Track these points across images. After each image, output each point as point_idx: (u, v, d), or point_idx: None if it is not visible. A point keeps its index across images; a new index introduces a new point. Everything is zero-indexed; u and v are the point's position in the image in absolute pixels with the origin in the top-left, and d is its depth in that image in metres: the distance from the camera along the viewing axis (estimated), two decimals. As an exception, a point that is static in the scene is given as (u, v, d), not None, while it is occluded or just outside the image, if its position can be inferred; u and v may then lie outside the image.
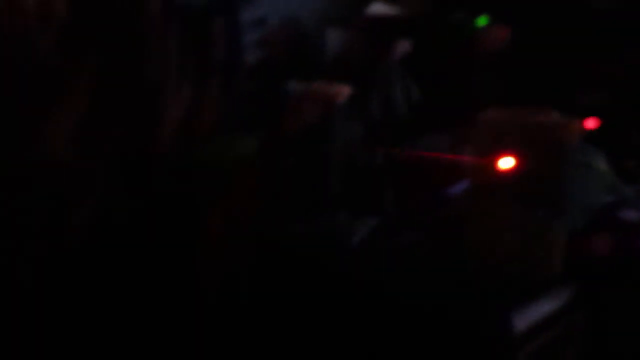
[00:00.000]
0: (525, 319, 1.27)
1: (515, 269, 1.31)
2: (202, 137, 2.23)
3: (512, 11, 2.25)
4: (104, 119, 2.30)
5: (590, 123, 2.13)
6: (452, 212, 1.59)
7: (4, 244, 1.83)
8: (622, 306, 1.42)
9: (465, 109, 2.12)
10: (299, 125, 1.76)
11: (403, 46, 1.94)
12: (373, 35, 1.92)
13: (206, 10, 2.11)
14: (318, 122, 1.71)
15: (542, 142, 1.25)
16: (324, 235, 1.62)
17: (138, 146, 2.28)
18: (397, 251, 1.52)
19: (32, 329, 1.64)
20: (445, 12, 2.34)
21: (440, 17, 2.29)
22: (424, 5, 2.42)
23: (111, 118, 2.30)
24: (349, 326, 1.47)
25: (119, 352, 1.63)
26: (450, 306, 1.34)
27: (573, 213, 1.45)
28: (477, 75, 2.14)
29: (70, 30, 2.23)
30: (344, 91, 1.70)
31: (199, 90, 2.26)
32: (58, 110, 2.28)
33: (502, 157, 1.25)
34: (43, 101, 2.27)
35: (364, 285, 1.48)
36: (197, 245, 1.89)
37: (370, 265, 1.53)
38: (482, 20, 2.26)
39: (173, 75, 2.23)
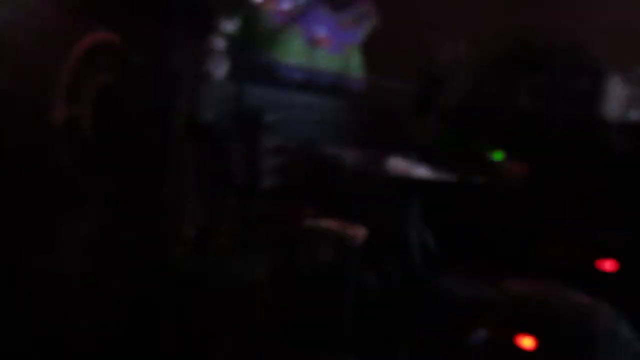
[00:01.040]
0: None
1: None
2: (216, 257, 2.25)
3: (534, 147, 2.29)
4: (118, 234, 2.33)
5: (609, 265, 2.11)
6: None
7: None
8: None
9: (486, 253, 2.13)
10: (311, 261, 1.76)
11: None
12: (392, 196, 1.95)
13: (227, 135, 2.16)
14: (331, 262, 1.71)
15: (567, 329, 1.22)
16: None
17: (152, 262, 2.29)
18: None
19: None
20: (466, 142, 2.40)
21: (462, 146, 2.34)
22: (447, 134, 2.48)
23: (126, 233, 2.33)
24: None
25: None
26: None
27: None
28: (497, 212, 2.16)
29: (93, 147, 2.30)
30: (360, 233, 1.71)
31: (215, 210, 2.29)
32: (74, 222, 2.32)
33: (523, 336, 1.23)
34: (60, 211, 2.31)
35: None
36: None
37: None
38: (497, 155, 2.30)
39: (190, 195, 2.27)
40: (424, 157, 2.33)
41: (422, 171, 1.98)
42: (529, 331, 1.23)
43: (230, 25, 2.24)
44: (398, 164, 1.96)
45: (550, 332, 1.21)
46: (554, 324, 1.21)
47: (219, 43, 2.21)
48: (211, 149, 2.18)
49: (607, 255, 2.10)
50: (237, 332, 1.96)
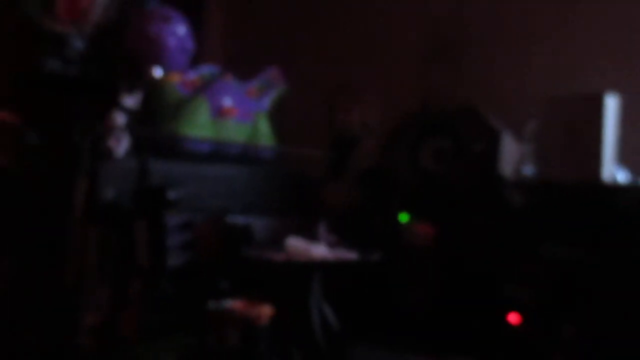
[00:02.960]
0: None
1: None
2: (122, 342, 2.14)
3: (434, 208, 2.36)
4: (15, 324, 2.18)
5: (513, 318, 2.17)
6: None
7: None
8: None
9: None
10: (219, 345, 1.71)
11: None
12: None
13: (130, 213, 2.10)
14: (239, 344, 1.67)
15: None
16: None
17: (52, 350, 2.15)
18: None
19: None
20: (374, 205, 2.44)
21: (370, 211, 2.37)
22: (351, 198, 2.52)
23: (23, 321, 2.19)
24: None
25: None
26: None
27: None
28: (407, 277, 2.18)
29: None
30: (265, 312, 1.68)
31: (119, 294, 2.20)
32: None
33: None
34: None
35: None
36: None
37: None
38: (403, 217, 2.35)
39: (92, 277, 2.17)
40: (334, 223, 2.34)
41: (320, 250, 1.99)
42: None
43: (131, 100, 2.21)
44: (297, 244, 1.96)
45: None
46: None
47: (121, 118, 2.17)
48: (113, 230, 2.10)
49: (513, 309, 2.17)
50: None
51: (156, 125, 2.36)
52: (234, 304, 1.70)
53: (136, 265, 2.06)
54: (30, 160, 2.17)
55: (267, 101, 2.71)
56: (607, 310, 1.99)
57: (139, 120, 2.23)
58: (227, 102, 2.53)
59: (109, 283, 2.07)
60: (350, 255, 2.02)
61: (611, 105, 2.14)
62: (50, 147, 2.19)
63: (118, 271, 2.08)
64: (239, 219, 2.36)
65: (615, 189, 2.08)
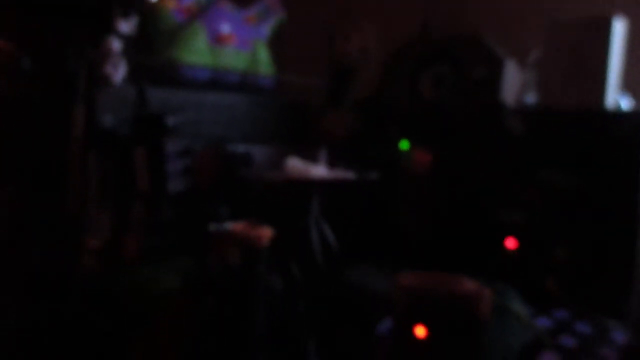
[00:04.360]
0: None
1: None
2: (124, 265, 2.18)
3: (433, 135, 2.35)
4: (21, 245, 2.22)
5: (510, 242, 2.20)
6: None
7: None
8: None
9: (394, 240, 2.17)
10: (220, 266, 1.73)
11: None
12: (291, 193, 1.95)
13: (129, 140, 2.09)
14: (239, 265, 1.69)
15: (455, 314, 1.28)
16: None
17: (57, 271, 2.20)
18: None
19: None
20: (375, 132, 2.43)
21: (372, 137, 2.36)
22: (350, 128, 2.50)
23: (29, 243, 2.22)
24: None
25: None
26: None
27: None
28: (405, 202, 2.20)
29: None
30: (265, 234, 1.69)
31: (120, 219, 2.22)
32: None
33: (417, 326, 1.27)
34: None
35: None
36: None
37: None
38: (403, 145, 2.34)
39: (93, 203, 2.18)
40: (334, 151, 2.34)
41: (319, 170, 1.98)
42: (421, 321, 1.28)
43: (127, 25, 2.16)
44: (296, 164, 1.96)
45: (437, 321, 1.27)
46: (440, 313, 1.27)
47: (116, 44, 2.13)
48: (113, 156, 2.10)
49: (509, 234, 2.19)
50: (153, 344, 1.91)
51: (152, 52, 2.32)
52: (234, 226, 1.72)
53: (136, 191, 2.07)
54: (25, 86, 2.15)
55: (266, 29, 2.65)
56: (601, 235, 2.02)
57: (134, 47, 2.20)
58: (225, 28, 2.48)
59: (110, 208, 2.09)
60: (349, 175, 2.02)
61: (618, 29, 2.10)
62: (45, 72, 2.16)
63: (118, 196, 2.09)
64: (238, 147, 2.35)
65: (617, 117, 2.06)
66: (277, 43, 2.69)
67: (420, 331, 1.28)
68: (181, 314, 1.87)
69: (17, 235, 2.14)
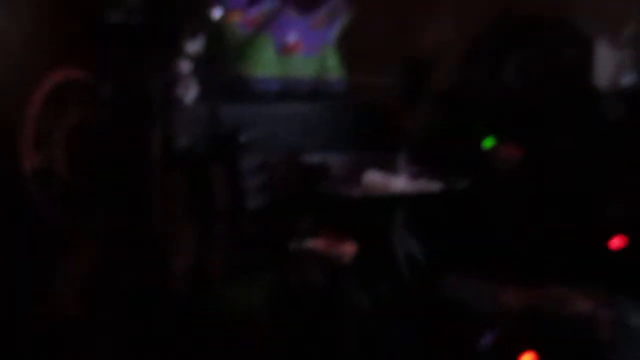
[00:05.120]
0: None
1: None
2: (211, 283, 2.19)
3: (521, 128, 2.19)
4: (112, 271, 2.28)
5: (616, 242, 2.01)
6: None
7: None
8: None
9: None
10: (303, 283, 1.69)
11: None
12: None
13: (205, 159, 2.09)
14: (322, 282, 1.64)
15: (569, 338, 1.15)
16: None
17: (146, 294, 2.25)
18: None
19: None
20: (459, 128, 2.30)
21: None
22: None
23: (120, 269, 2.28)
24: None
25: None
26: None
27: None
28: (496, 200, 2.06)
29: (71, 186, 2.25)
30: (348, 250, 1.63)
31: (203, 236, 2.23)
32: (65, 267, 2.27)
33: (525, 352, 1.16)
34: (49, 259, 2.27)
35: None
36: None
37: None
38: (488, 142, 2.20)
39: (177, 222, 2.21)
40: (414, 153, 2.24)
41: (400, 182, 1.90)
42: (530, 346, 1.16)
43: (195, 45, 2.16)
44: (374, 178, 1.88)
45: (550, 346, 1.14)
46: (553, 338, 1.14)
47: (186, 65, 2.13)
48: (191, 176, 2.11)
49: (615, 232, 2.00)
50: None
51: (221, 68, 2.32)
52: (315, 243, 1.67)
53: (217, 210, 2.07)
54: (105, 115, 2.20)
55: (334, 31, 2.58)
56: None
57: (203, 65, 2.20)
58: (292, 36, 2.43)
59: (192, 228, 2.10)
60: (433, 185, 1.92)
61: None
62: (122, 99, 2.20)
63: (200, 216, 2.10)
64: (314, 157, 2.30)
65: None
66: (347, 43, 2.61)
67: (529, 358, 1.16)
68: (269, 330, 1.85)
69: (108, 260, 2.20)
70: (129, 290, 2.16)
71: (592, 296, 1.28)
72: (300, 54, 2.45)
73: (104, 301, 2.18)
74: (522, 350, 1.16)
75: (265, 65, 2.34)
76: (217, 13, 2.25)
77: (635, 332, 1.42)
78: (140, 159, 2.15)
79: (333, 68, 2.54)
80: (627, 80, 2.13)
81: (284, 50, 2.41)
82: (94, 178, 2.18)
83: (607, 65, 2.18)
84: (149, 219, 2.15)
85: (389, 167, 2.14)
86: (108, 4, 2.21)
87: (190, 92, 2.14)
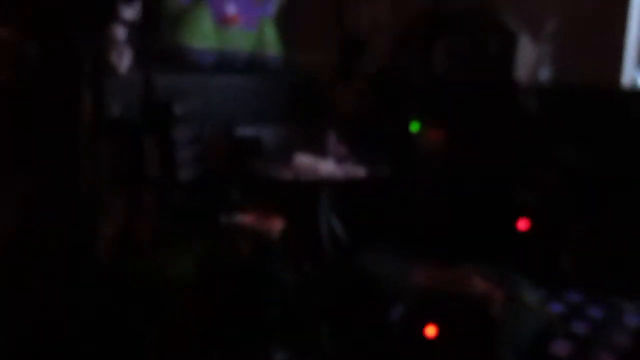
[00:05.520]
0: None
1: None
2: (139, 251, 2.20)
3: (448, 115, 2.30)
4: (37, 233, 2.24)
5: (522, 224, 2.18)
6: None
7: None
8: None
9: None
10: (231, 256, 1.74)
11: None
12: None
13: (138, 128, 2.08)
14: (250, 256, 1.70)
15: (467, 315, 1.28)
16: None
17: (73, 257, 2.23)
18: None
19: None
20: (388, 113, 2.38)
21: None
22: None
23: (45, 231, 2.24)
24: None
25: None
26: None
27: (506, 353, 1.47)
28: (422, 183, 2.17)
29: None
30: (276, 226, 1.69)
31: (133, 205, 2.22)
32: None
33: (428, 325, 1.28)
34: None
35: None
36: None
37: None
38: (414, 126, 2.29)
39: (106, 190, 2.19)
40: (344, 132, 2.30)
41: (328, 166, 1.96)
42: (433, 320, 1.28)
43: (130, 11, 2.12)
44: (304, 161, 1.94)
45: (448, 321, 1.28)
46: (451, 314, 1.28)
47: (121, 31, 2.09)
48: (122, 144, 2.09)
49: (522, 214, 2.16)
50: (166, 329, 1.94)
51: (157, 36, 2.28)
52: (245, 217, 1.72)
53: (147, 179, 2.07)
54: (32, 75, 2.13)
55: (272, 6, 2.59)
56: (617, 215, 1.99)
57: (139, 32, 2.16)
58: (230, 8, 2.42)
59: (122, 195, 2.09)
60: (359, 171, 2.00)
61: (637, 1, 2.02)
62: (51, 61, 2.13)
63: (130, 183, 2.10)
64: (247, 130, 2.33)
65: (634, 94, 2.01)
66: (284, 20, 2.63)
67: (430, 331, 1.28)
68: (195, 299, 1.89)
69: (32, 223, 2.16)
70: (54, 254, 2.14)
71: (491, 277, 1.41)
72: (238, 27, 2.45)
73: (28, 265, 2.15)
74: (425, 324, 1.28)
75: (203, 36, 2.33)
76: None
77: (527, 308, 1.58)
78: (70, 124, 2.11)
79: (270, 43, 2.56)
80: (543, 74, 2.27)
81: (222, 22, 2.40)
82: (21, 138, 2.12)
83: (527, 58, 2.31)
84: (77, 184, 2.13)
85: (319, 143, 2.20)
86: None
87: (124, 60, 2.11)
